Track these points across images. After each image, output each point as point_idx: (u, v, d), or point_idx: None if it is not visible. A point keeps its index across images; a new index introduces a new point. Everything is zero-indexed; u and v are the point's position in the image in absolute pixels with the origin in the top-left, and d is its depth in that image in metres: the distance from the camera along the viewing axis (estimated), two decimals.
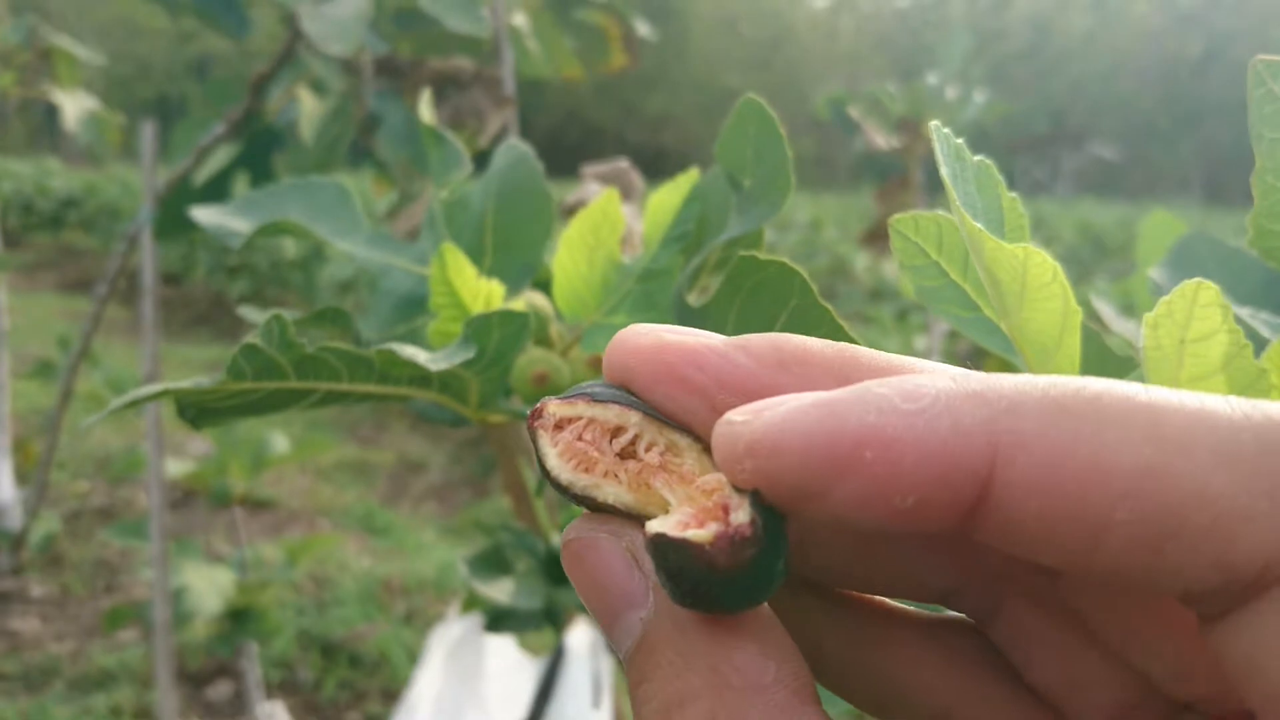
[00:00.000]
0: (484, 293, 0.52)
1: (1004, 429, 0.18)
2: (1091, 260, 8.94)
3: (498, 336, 0.45)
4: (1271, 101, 0.34)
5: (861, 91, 2.19)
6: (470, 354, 0.43)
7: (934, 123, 0.31)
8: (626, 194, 0.78)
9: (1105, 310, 0.59)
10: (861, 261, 6.53)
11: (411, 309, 0.60)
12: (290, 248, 7.32)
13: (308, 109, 1.34)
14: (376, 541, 3.25)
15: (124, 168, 9.72)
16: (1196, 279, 0.29)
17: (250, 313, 0.52)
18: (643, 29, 1.80)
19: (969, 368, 0.21)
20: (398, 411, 4.82)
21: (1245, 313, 0.45)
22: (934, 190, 2.07)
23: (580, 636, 1.58)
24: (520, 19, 1.80)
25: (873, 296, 6.22)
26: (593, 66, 1.87)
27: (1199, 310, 0.28)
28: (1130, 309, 0.80)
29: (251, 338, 0.41)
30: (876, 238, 2.00)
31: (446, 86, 1.55)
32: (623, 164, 0.80)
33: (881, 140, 2.01)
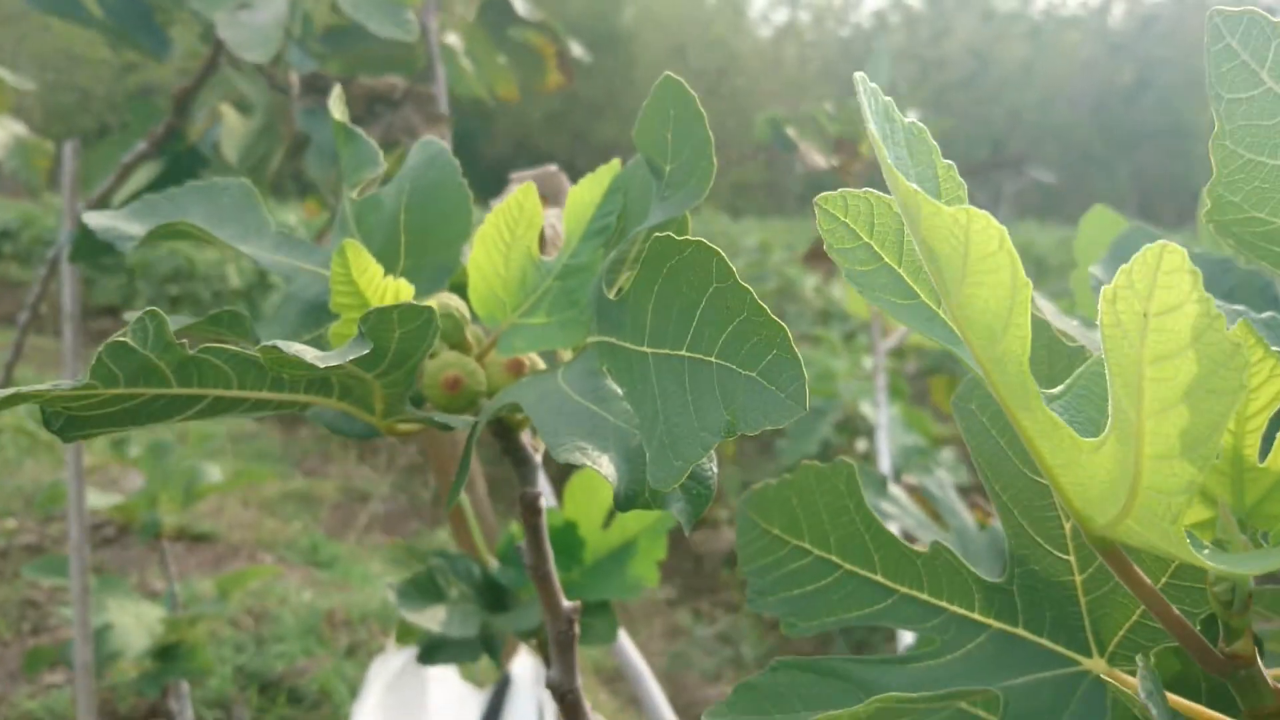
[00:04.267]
0: (391, 291, 0.49)
1: None
2: (1034, 280, 9.10)
3: (399, 335, 0.42)
4: (1230, 58, 0.32)
5: (799, 112, 2.19)
6: (365, 350, 0.40)
7: (859, 74, 0.29)
8: (555, 198, 0.75)
9: (1045, 306, 0.57)
10: (810, 283, 6.57)
11: (320, 315, 0.56)
12: (233, 277, 7.18)
13: (231, 126, 1.30)
14: (321, 573, 3.16)
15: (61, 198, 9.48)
16: (1161, 241, 0.26)
17: (131, 316, 0.48)
18: (577, 49, 1.79)
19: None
20: (343, 441, 4.72)
21: None
22: None
23: (525, 665, 1.54)
24: (453, 38, 1.77)
25: (821, 318, 6.25)
26: (528, 85, 1.85)
27: (1164, 278, 0.25)
28: None
29: (120, 335, 0.38)
30: (817, 256, 1.99)
31: (378, 104, 1.52)
32: (551, 168, 0.77)
33: (819, 159, 2.01)
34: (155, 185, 1.46)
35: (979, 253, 0.25)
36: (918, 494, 1.12)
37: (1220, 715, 0.33)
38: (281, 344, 0.38)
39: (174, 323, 0.51)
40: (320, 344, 0.54)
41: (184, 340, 0.40)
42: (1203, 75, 0.34)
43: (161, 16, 1.47)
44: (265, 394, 0.43)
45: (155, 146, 1.45)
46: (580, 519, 1.03)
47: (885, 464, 2.15)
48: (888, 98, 0.30)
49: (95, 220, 0.57)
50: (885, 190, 0.33)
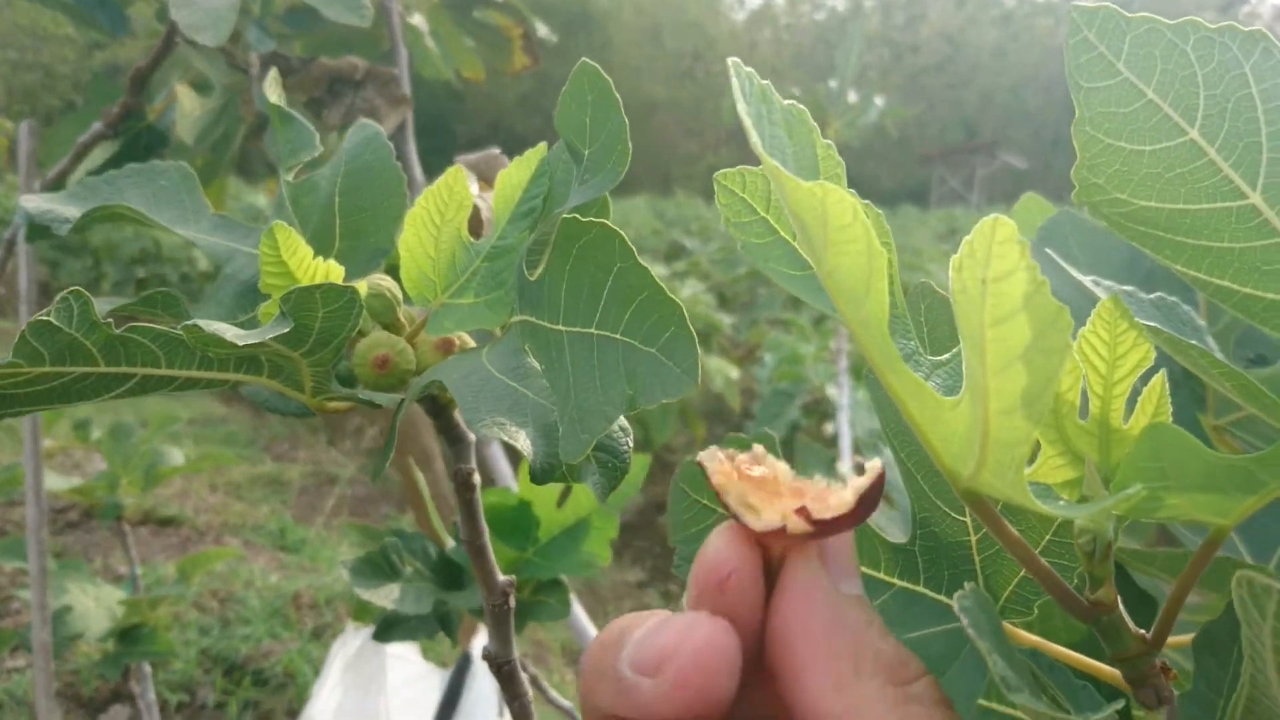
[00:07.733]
0: (321, 272, 0.50)
1: None
2: None
3: (322, 314, 0.43)
4: (1088, 49, 0.34)
5: None
6: (285, 329, 0.41)
7: (733, 60, 0.30)
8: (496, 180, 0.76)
9: None
10: None
11: (256, 296, 0.57)
12: (201, 259, 7.11)
13: (186, 108, 1.29)
14: (288, 557, 3.16)
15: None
16: (994, 215, 0.28)
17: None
18: (543, 30, 1.79)
19: None
20: (312, 424, 4.71)
21: (1088, 280, 0.45)
22: None
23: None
24: (418, 19, 1.77)
25: (791, 302, 6.29)
26: (494, 67, 1.85)
27: (998, 247, 0.27)
28: None
29: (44, 314, 0.39)
30: None
31: (339, 84, 1.52)
32: (494, 151, 0.78)
33: None
34: (111, 163, 1.46)
35: (836, 223, 0.26)
36: None
37: (1082, 656, 0.35)
38: (203, 322, 0.39)
39: (107, 304, 0.52)
40: (254, 325, 0.55)
41: (110, 320, 0.41)
42: None
43: None
44: (194, 373, 0.44)
45: (112, 126, 1.44)
46: (535, 498, 1.05)
47: (846, 445, 2.18)
48: (765, 81, 0.31)
49: (32, 203, 0.57)
50: None
